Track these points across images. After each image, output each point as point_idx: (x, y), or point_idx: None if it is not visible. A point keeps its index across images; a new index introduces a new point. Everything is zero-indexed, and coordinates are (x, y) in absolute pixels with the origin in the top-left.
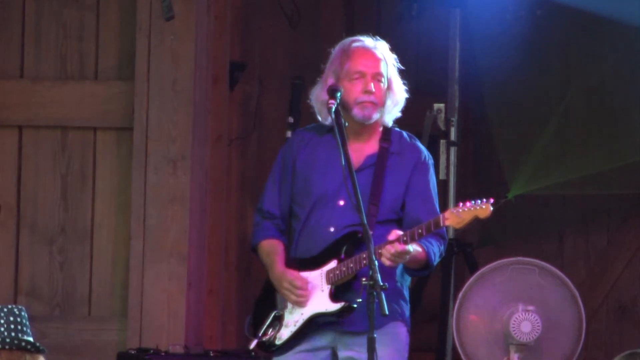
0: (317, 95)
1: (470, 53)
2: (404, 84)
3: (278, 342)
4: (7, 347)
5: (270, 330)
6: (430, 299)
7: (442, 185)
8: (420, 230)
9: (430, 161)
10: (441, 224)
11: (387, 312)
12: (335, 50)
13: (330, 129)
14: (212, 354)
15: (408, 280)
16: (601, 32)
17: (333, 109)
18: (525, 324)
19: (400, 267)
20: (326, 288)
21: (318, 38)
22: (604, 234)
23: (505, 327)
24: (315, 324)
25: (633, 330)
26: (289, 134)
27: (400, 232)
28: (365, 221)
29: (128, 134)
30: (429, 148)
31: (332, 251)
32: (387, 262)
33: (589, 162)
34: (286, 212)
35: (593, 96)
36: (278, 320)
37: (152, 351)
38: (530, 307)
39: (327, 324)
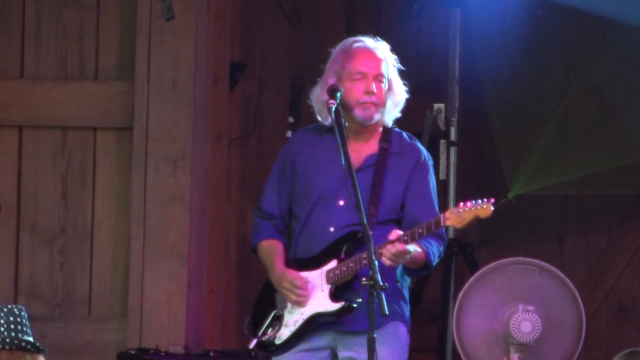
0: (318, 96)
1: (470, 53)
2: (404, 84)
3: (278, 341)
4: (7, 347)
5: (270, 329)
6: (430, 299)
7: (442, 185)
8: (420, 230)
9: (430, 161)
10: (442, 224)
11: (387, 312)
12: (336, 50)
13: (330, 129)
14: (212, 354)
15: (408, 280)
16: (601, 32)
17: (333, 109)
18: (525, 324)
19: (400, 267)
20: (326, 288)
21: (318, 38)
22: (604, 234)
23: (505, 327)
24: (315, 324)
25: (633, 330)
26: (289, 134)
27: (401, 232)
28: (365, 221)
29: (128, 134)
30: (429, 148)
31: (332, 251)
32: (387, 262)
33: (589, 162)
34: (286, 212)
35: (593, 96)
36: (278, 320)
37: (152, 351)
38: (530, 307)
39: (327, 324)
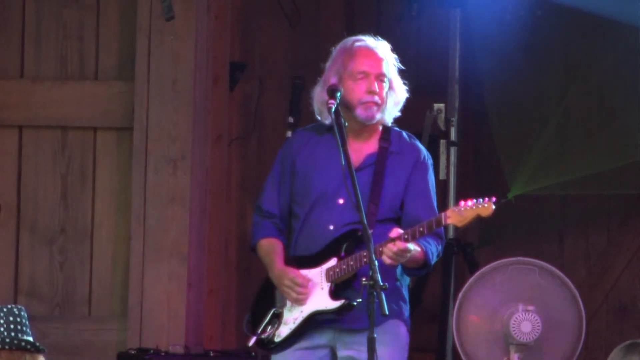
0: (318, 95)
1: (470, 53)
2: (404, 83)
3: (277, 339)
4: (7, 347)
5: (269, 327)
6: (430, 299)
7: (442, 185)
8: (421, 229)
9: (430, 161)
10: (443, 223)
11: (387, 312)
12: (337, 49)
13: (329, 128)
14: (212, 354)
15: (407, 279)
16: (601, 32)
17: (333, 109)
18: (525, 324)
19: (399, 266)
20: (326, 286)
21: (318, 38)
22: (604, 234)
23: (505, 327)
24: (314, 322)
25: (633, 330)
26: (289, 134)
27: (401, 230)
28: (365, 220)
29: (128, 134)
30: (429, 148)
31: (332, 249)
32: (387, 261)
33: (589, 162)
34: (285, 211)
35: (593, 96)
36: (277, 318)
37: (152, 351)
38: (530, 307)
39: (327, 322)
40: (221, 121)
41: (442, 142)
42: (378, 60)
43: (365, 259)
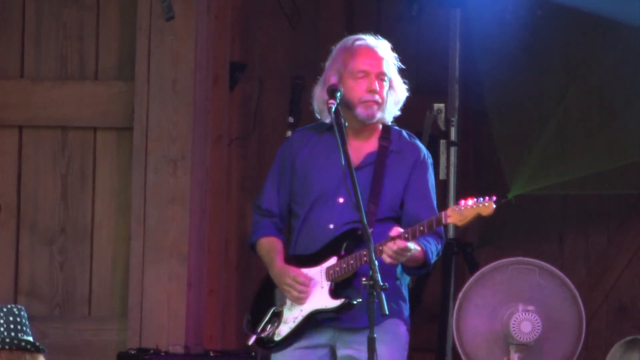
0: (318, 94)
1: (470, 53)
2: (404, 82)
3: (277, 338)
4: (7, 347)
5: (269, 326)
6: (430, 299)
7: (442, 185)
8: (422, 228)
9: (430, 160)
10: (443, 222)
11: (387, 312)
12: (337, 48)
13: (329, 128)
14: (212, 354)
15: (407, 279)
16: (601, 32)
17: (333, 109)
18: (525, 324)
19: (399, 265)
20: (326, 285)
21: (318, 38)
22: (604, 234)
23: (505, 327)
24: (314, 321)
25: (633, 330)
26: (289, 134)
27: (402, 229)
28: (365, 220)
29: (128, 134)
30: (429, 148)
31: (332, 248)
32: (387, 260)
33: (589, 162)
34: (285, 210)
35: (593, 96)
36: (277, 317)
37: (152, 351)
38: (530, 307)
39: (326, 321)
40: (221, 121)
41: (442, 142)
42: (378, 59)
43: (365, 258)
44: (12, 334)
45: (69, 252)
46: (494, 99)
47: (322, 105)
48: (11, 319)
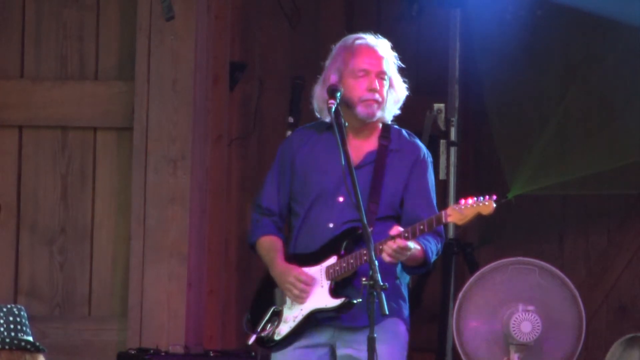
0: (318, 93)
1: (470, 53)
2: (404, 81)
3: (277, 337)
4: (6, 347)
5: (269, 325)
6: (430, 299)
7: (442, 185)
8: (422, 227)
9: (429, 159)
10: (443, 220)
11: (387, 312)
12: (338, 47)
13: (329, 127)
14: (212, 354)
15: (407, 278)
16: (601, 32)
17: (333, 109)
18: (525, 324)
19: (399, 264)
20: (326, 284)
21: (318, 38)
22: (604, 234)
23: (505, 327)
24: (314, 320)
25: (633, 330)
26: (289, 133)
27: (402, 228)
28: (365, 219)
29: (128, 134)
30: (429, 148)
31: (332, 247)
32: (387, 258)
33: (589, 162)
34: (284, 209)
35: (593, 96)
36: (277, 316)
37: (152, 351)
38: (530, 307)
39: (326, 320)
40: (221, 121)
41: (442, 142)
42: (379, 59)
43: (365, 257)
44: (12, 334)
45: (69, 252)
46: (494, 99)
47: (322, 104)
48: (11, 319)
